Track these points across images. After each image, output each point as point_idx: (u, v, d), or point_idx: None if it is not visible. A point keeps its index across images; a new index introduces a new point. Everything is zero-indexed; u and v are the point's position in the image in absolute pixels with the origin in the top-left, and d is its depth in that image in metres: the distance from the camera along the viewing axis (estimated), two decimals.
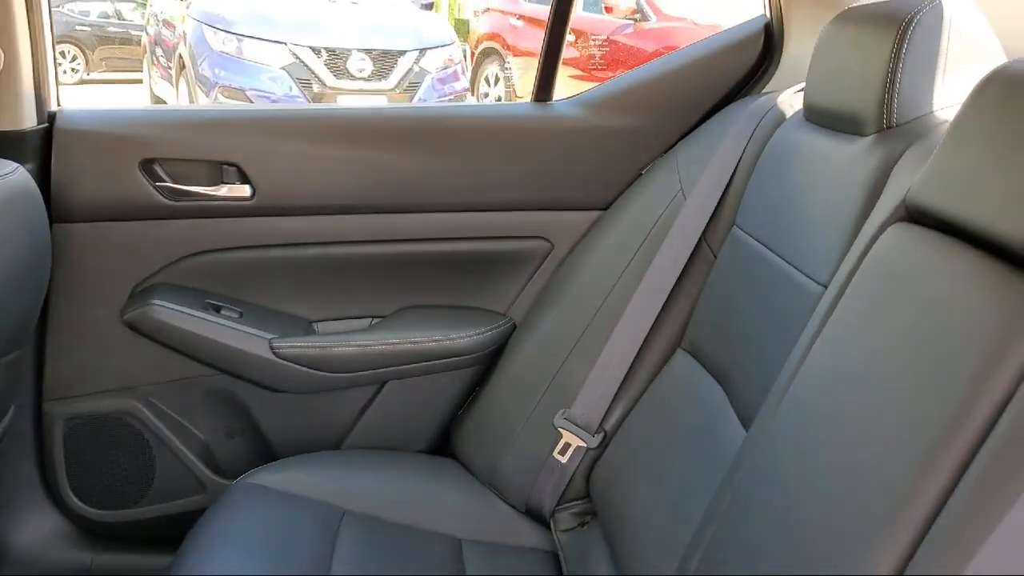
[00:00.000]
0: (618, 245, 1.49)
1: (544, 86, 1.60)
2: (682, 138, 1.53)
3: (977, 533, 0.61)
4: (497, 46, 8.37)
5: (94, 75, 12.94)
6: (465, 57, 8.66)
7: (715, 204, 1.35)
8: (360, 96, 6.47)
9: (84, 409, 1.53)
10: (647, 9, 6.94)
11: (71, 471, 1.54)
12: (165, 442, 1.55)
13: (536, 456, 1.42)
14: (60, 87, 1.50)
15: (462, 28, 10.06)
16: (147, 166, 1.46)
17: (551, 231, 1.60)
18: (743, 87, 1.55)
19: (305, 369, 1.52)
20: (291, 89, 6.43)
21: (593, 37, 7.25)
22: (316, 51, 6.54)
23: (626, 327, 1.39)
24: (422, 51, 6.77)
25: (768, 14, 1.56)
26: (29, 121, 1.38)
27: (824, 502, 0.75)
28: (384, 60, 6.61)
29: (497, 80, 8.34)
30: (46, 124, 1.42)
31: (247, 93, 6.31)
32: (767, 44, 1.55)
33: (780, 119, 1.32)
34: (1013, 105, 0.74)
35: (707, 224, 1.36)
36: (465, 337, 1.58)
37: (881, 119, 1.03)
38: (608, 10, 7.15)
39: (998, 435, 0.64)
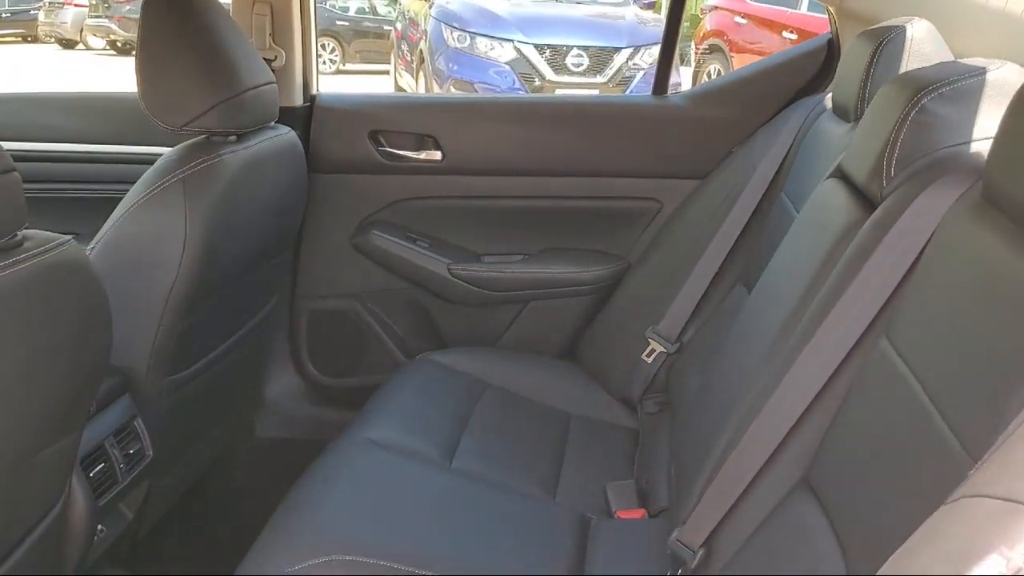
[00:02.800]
0: (708, 205, 1.95)
1: (660, 81, 2.10)
2: (761, 126, 1.97)
3: None
4: (721, 43, 8.60)
5: (349, 66, 14.20)
6: (686, 53, 8.99)
7: (772, 175, 1.79)
8: (575, 90, 7.03)
9: (321, 305, 2.17)
10: None
11: (311, 348, 2.19)
12: (374, 333, 2.17)
13: (631, 359, 1.91)
14: (320, 76, 2.14)
15: (694, 23, 10.32)
16: (373, 135, 2.08)
17: (661, 194, 2.08)
18: (809, 88, 1.97)
19: (472, 287, 2.10)
20: (514, 83, 7.08)
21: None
22: (540, 48, 7.14)
23: (704, 265, 1.86)
24: (636, 48, 7.22)
25: (832, 32, 1.97)
26: (298, 100, 2.04)
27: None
28: (600, 56, 7.12)
29: (720, 76, 8.53)
30: (309, 103, 2.07)
31: (475, 86, 7.03)
32: (828, 55, 1.96)
33: (822, 112, 1.74)
34: None
35: (765, 191, 1.80)
36: (590, 272, 2.10)
37: (856, 110, 1.45)
38: None
39: None
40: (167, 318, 1.48)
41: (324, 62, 13.99)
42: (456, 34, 7.20)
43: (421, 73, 7.59)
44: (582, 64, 7.11)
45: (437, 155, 2.09)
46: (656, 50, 7.14)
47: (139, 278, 1.46)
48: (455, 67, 7.11)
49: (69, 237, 1.06)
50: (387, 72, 9.88)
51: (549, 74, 7.11)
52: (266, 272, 1.82)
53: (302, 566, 1.24)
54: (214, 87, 1.49)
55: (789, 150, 1.78)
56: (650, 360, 1.88)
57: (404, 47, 8.49)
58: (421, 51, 7.60)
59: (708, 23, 9.05)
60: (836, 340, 1.07)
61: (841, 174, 1.31)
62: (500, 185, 2.10)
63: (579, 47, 7.14)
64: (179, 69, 1.47)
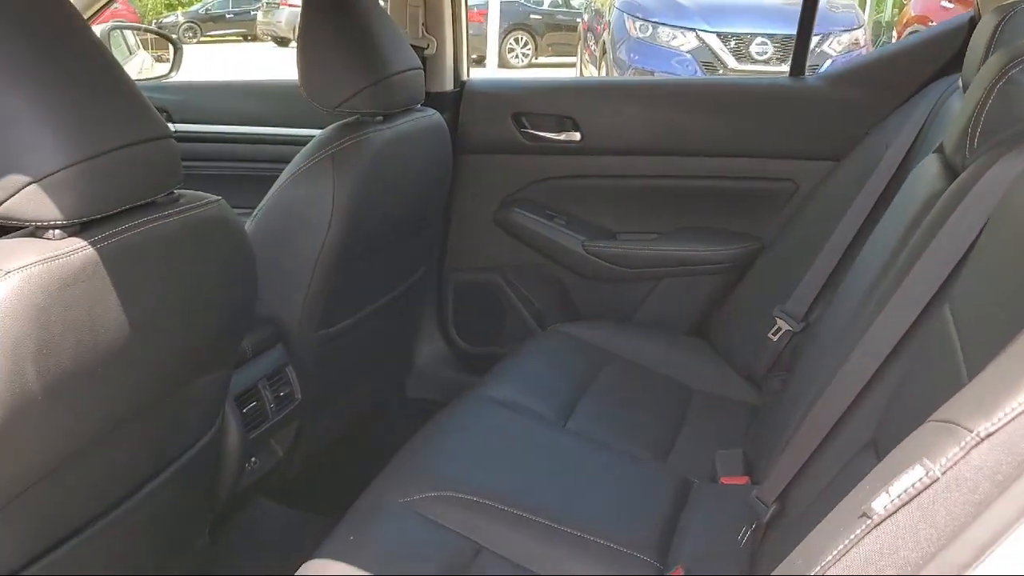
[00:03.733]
0: (841, 187, 1.95)
1: (797, 64, 2.10)
2: (898, 107, 1.94)
3: None
4: (923, 28, 8.24)
5: (541, 59, 14.40)
6: (880, 37, 8.61)
7: (902, 157, 1.78)
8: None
9: (466, 278, 2.33)
10: None
11: (456, 317, 2.35)
12: (513, 305, 2.30)
13: (757, 337, 1.94)
14: (512, 71, 2.30)
15: (898, 6, 9.88)
16: (516, 117, 2.21)
17: (796, 175, 2.09)
18: (947, 68, 1.92)
19: (606, 263, 2.19)
20: (695, 72, 7.05)
21: None
22: (723, 37, 7.07)
23: (832, 246, 1.86)
24: (825, 35, 7.01)
25: (975, 12, 1.91)
26: (448, 86, 2.19)
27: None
28: (785, 44, 6.95)
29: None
30: (458, 88, 2.22)
31: (655, 75, 7.05)
32: (968, 35, 1.90)
33: (954, 92, 1.71)
34: None
35: (894, 173, 1.78)
36: (722, 251, 2.13)
37: None
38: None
39: None
40: (316, 277, 1.67)
41: (516, 56, 14.23)
42: (639, 24, 7.25)
43: (604, 64, 7.69)
44: (766, 52, 6.99)
45: (576, 136, 2.19)
46: (846, 37, 7.07)
47: (292, 240, 1.65)
48: (636, 56, 7.16)
49: (219, 197, 1.24)
50: (574, 65, 10.02)
51: (731, 62, 7.03)
52: (412, 244, 1.98)
53: (413, 498, 1.38)
54: (363, 72, 1.66)
55: (920, 131, 1.76)
56: (776, 338, 1.90)
57: (590, 38, 8.62)
58: (604, 42, 7.70)
59: (913, 8, 8.67)
60: (905, 307, 1.10)
61: (940, 148, 1.31)
62: (636, 165, 2.18)
63: (764, 35, 7.02)
64: (333, 57, 1.65)
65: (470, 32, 2.27)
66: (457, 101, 2.22)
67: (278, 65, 12.97)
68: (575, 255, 2.21)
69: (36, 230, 0.99)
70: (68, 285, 0.97)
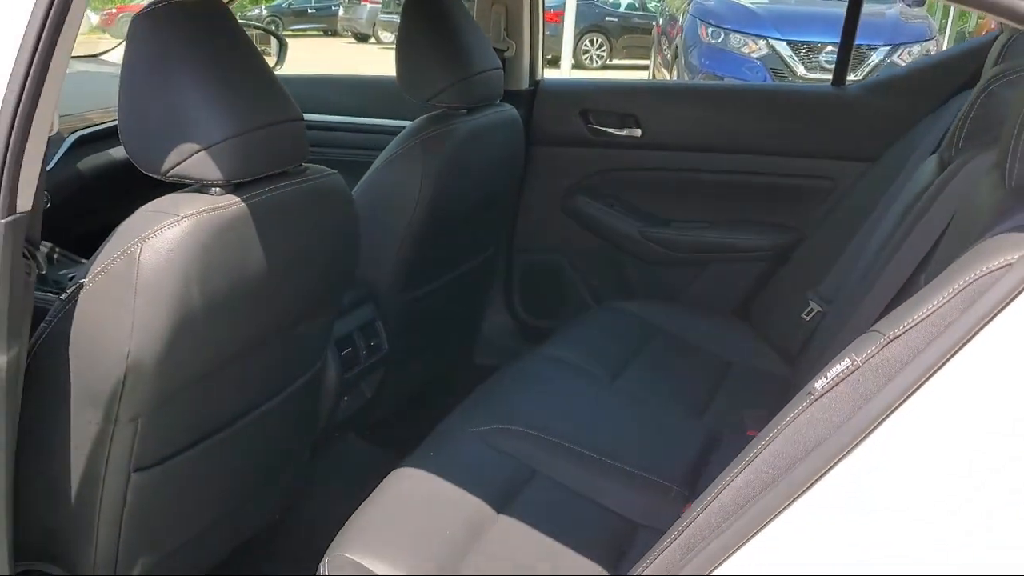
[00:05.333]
0: (873, 185, 2.16)
1: (839, 73, 2.32)
2: (928, 114, 2.15)
3: None
4: None
5: (615, 61, 14.55)
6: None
7: (927, 156, 1.99)
8: None
9: (532, 258, 2.60)
10: None
11: (521, 294, 2.62)
12: (574, 284, 2.56)
13: (792, 317, 2.16)
14: (586, 72, 2.57)
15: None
16: (583, 114, 2.47)
17: (834, 174, 2.31)
18: (973, 81, 2.11)
19: (659, 248, 2.43)
20: (765, 78, 7.19)
21: None
22: (793, 45, 7.20)
23: (862, 234, 2.08)
24: (895, 46, 7.10)
25: (999, 29, 2.11)
26: (524, 84, 2.47)
27: None
28: (856, 54, 7.07)
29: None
30: (533, 87, 2.49)
31: (725, 80, 7.21)
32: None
33: None
34: None
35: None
36: (764, 240, 2.36)
37: None
38: None
39: None
40: (403, 247, 1.95)
41: (591, 57, 14.40)
42: (710, 30, 7.42)
43: (675, 68, 7.88)
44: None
45: (637, 132, 2.44)
46: (917, 48, 7.14)
47: (385, 214, 1.93)
48: (707, 62, 7.33)
49: (335, 171, 1.53)
50: (647, 68, 10.21)
51: (801, 70, 7.17)
52: (485, 224, 2.25)
53: (483, 428, 1.64)
54: (451, 71, 1.93)
55: (944, 136, 1.97)
56: (808, 319, 2.12)
57: (664, 42, 8.80)
58: (676, 47, 7.88)
59: (993, 20, 8.61)
60: (894, 277, 1.32)
61: (938, 148, 1.54)
62: (691, 160, 2.42)
63: (835, 44, 7.11)
64: (426, 57, 1.93)
65: (546, 33, 2.54)
66: (531, 98, 2.49)
67: (360, 60, 13.45)
68: (632, 240, 2.46)
69: (202, 187, 1.28)
70: (225, 230, 1.26)
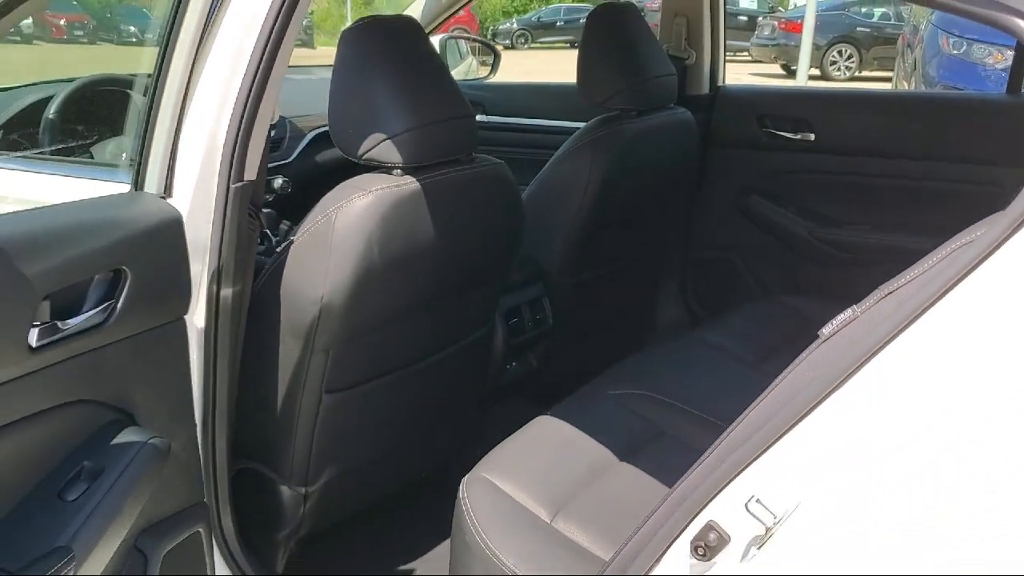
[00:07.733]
0: None
1: (1014, 80, 2.32)
2: None
3: None
4: None
5: (864, 73, 14.02)
6: None
7: None
8: None
9: (706, 255, 2.76)
10: None
11: (694, 287, 2.79)
12: (747, 280, 2.70)
13: None
14: (833, 83, 2.73)
15: None
16: (759, 119, 2.61)
17: (1002, 181, 2.31)
18: None
19: (828, 247, 2.53)
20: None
21: None
22: None
23: None
24: None
25: None
26: (704, 89, 2.65)
27: None
28: None
29: None
30: (714, 93, 2.66)
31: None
32: None
33: None
34: None
35: None
36: (929, 244, 2.39)
37: None
38: None
39: None
40: (572, 234, 2.20)
41: (839, 68, 14.00)
42: (952, 40, 7.10)
43: (913, 79, 7.58)
44: None
45: (811, 136, 2.55)
46: None
47: (556, 203, 2.19)
48: (945, 73, 7.03)
49: (501, 160, 1.80)
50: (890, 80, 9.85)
51: None
52: (651, 220, 2.45)
53: (621, 392, 1.86)
54: (624, 75, 2.16)
55: None
56: None
57: (908, 53, 8.47)
58: (915, 58, 7.60)
59: None
60: None
61: None
62: (862, 164, 2.50)
63: None
64: (600, 65, 2.17)
65: (790, 44, 2.70)
66: (711, 103, 2.66)
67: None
68: (802, 240, 2.57)
69: (387, 169, 1.59)
70: (402, 204, 1.56)
